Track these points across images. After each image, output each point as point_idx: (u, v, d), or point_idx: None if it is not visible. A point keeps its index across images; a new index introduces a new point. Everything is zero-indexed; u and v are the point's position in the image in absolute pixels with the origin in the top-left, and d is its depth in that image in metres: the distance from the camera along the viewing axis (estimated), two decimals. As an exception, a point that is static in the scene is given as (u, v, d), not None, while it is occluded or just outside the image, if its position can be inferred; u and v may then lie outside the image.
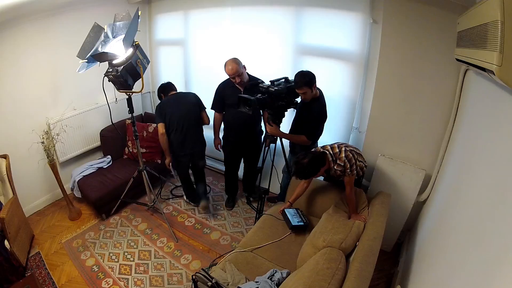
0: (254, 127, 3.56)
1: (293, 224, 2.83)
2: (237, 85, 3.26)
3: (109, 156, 4.27)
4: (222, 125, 3.62)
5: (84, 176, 3.91)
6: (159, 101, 3.60)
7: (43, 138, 3.51)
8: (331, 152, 2.65)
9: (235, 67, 3.12)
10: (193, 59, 4.38)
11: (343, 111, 3.38)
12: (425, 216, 2.87)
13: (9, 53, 3.38)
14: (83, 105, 4.11)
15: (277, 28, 3.49)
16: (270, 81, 2.94)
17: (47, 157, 3.54)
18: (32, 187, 3.90)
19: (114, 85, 2.96)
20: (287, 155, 3.37)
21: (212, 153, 4.68)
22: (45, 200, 4.12)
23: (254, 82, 3.21)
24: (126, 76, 2.87)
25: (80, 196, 3.92)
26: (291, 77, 2.98)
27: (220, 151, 3.74)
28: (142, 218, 3.81)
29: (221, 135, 3.71)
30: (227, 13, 3.77)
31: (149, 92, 5.06)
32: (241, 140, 3.54)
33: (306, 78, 2.80)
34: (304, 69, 2.87)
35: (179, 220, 3.78)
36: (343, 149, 2.66)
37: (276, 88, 2.85)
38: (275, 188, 3.86)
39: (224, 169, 3.96)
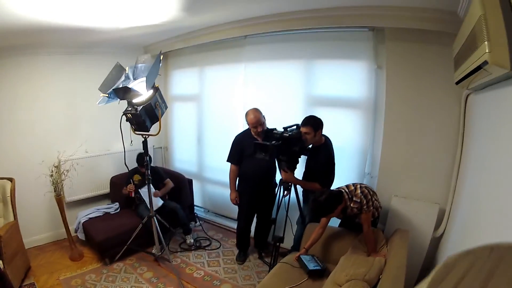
0: (271, 179, 3.56)
1: (310, 268, 2.67)
2: (255, 136, 3.31)
3: (117, 203, 4.22)
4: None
5: (90, 218, 3.85)
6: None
7: (52, 171, 3.51)
8: (347, 190, 2.67)
9: (258, 116, 3.23)
10: (207, 114, 4.56)
11: (355, 158, 3.41)
12: (442, 252, 2.74)
13: (28, 78, 3.59)
14: (95, 149, 4.20)
15: (289, 81, 3.70)
16: (283, 128, 3.04)
17: (54, 191, 3.52)
18: (35, 220, 3.84)
19: (132, 125, 3.02)
20: (299, 207, 3.30)
21: (222, 210, 4.66)
22: (47, 237, 4.02)
23: (267, 129, 3.30)
24: (144, 117, 2.95)
25: (84, 239, 3.82)
26: None
27: (237, 204, 3.65)
28: (148, 267, 3.59)
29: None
30: (241, 68, 4.03)
31: (161, 147, 5.16)
32: (257, 192, 3.49)
33: (312, 121, 2.95)
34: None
35: (188, 271, 3.54)
36: (358, 186, 2.70)
37: (290, 133, 2.95)
38: (289, 241, 3.69)
39: (233, 226, 3.88)
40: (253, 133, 3.32)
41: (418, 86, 2.87)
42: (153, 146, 4.84)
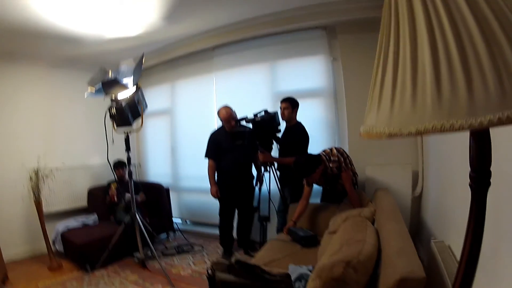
0: (248, 171, 3.72)
1: (301, 235, 2.78)
2: (229, 131, 3.51)
3: (95, 214, 4.06)
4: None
5: (69, 229, 3.73)
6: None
7: (31, 175, 3.46)
8: (324, 153, 2.92)
9: (229, 111, 3.48)
10: (180, 125, 4.72)
11: (324, 141, 3.72)
12: (425, 210, 3.00)
13: (9, 84, 3.66)
14: (72, 161, 4.17)
15: (256, 83, 4.06)
16: (253, 114, 3.34)
17: (34, 195, 3.42)
18: (12, 230, 3.75)
19: (114, 120, 3.11)
20: (279, 190, 3.47)
21: (200, 218, 4.68)
22: (24, 251, 3.88)
23: (240, 118, 3.49)
24: (127, 111, 3.07)
25: (62, 250, 3.63)
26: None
27: (217, 198, 3.70)
28: (132, 271, 3.41)
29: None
30: (211, 78, 4.35)
31: (134, 164, 5.04)
32: (236, 184, 3.61)
33: (291, 98, 3.34)
34: None
35: (174, 272, 3.41)
36: (333, 147, 2.99)
37: (259, 118, 3.27)
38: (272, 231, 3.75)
39: (213, 232, 3.93)
40: (226, 128, 3.53)
41: (372, 70, 3.32)
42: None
